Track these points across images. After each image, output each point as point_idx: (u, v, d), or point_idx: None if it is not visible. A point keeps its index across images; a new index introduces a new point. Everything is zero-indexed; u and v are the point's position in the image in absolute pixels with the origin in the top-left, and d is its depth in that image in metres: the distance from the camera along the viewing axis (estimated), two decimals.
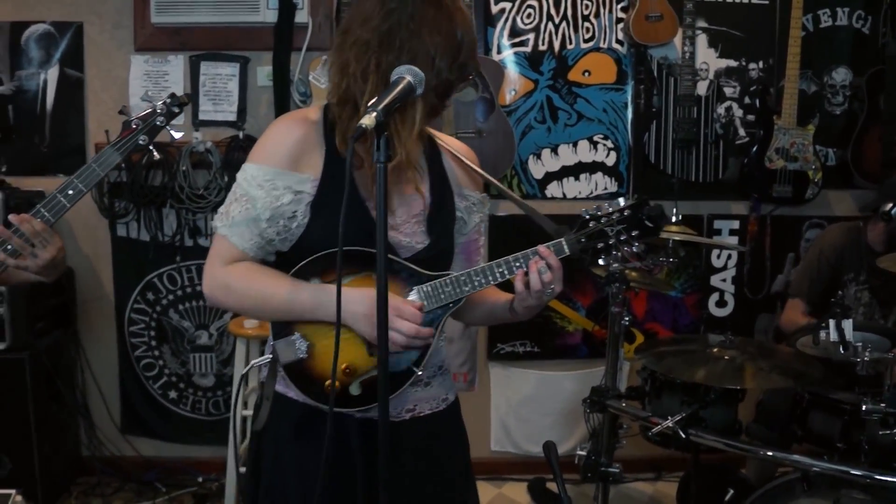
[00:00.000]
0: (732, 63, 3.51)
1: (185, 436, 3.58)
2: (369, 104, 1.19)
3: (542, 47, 3.45)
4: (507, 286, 1.52)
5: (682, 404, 2.38)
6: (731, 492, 2.72)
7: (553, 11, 3.43)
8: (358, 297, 1.37)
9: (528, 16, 3.43)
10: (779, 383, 2.49)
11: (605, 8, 3.43)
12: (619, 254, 1.47)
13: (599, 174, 3.54)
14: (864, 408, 2.10)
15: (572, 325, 3.61)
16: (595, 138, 3.52)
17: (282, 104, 3.31)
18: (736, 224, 3.60)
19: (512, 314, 1.54)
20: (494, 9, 3.40)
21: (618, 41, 3.46)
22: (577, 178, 3.53)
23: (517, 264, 1.44)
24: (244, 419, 3.15)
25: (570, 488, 3.16)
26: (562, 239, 1.45)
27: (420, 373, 1.47)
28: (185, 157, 3.30)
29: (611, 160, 3.54)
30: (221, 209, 1.46)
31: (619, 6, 3.43)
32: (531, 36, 3.44)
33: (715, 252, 3.63)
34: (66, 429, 3.38)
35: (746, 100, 3.52)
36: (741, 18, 3.48)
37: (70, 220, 3.42)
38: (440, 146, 1.59)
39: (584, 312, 3.61)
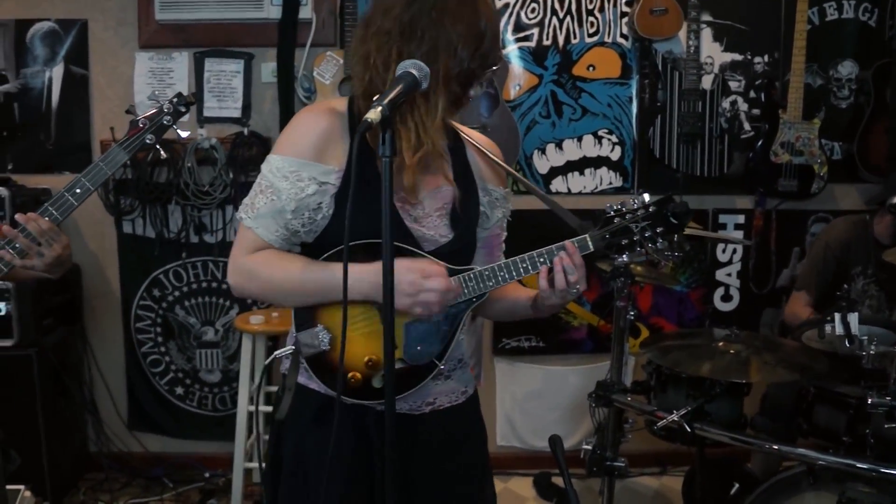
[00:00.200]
0: (737, 57, 3.50)
1: (192, 431, 3.59)
2: (374, 99, 1.19)
3: (546, 42, 3.45)
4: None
5: (688, 398, 2.38)
6: (737, 485, 2.73)
7: (557, 6, 3.42)
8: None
9: (533, 10, 3.42)
10: (784, 377, 2.49)
11: (609, 2, 3.42)
12: (643, 250, 1.44)
13: (604, 169, 3.53)
14: (869, 401, 2.10)
15: (577, 320, 3.61)
16: (600, 133, 3.51)
17: (286, 100, 3.31)
18: (741, 218, 3.59)
19: (535, 311, 1.54)
20: (498, 3, 3.39)
21: (622, 35, 3.46)
22: (581, 173, 3.53)
23: (541, 260, 1.43)
24: (250, 414, 3.16)
25: (576, 482, 3.16)
26: (586, 235, 1.44)
27: (442, 367, 1.47)
28: (190, 153, 3.30)
29: (615, 155, 3.53)
30: (246, 200, 1.46)
31: (624, 0, 3.42)
32: (535, 30, 3.43)
33: (720, 246, 3.62)
34: (73, 425, 3.39)
35: (752, 94, 3.51)
36: (746, 12, 3.46)
37: (76, 217, 3.43)
38: (464, 140, 1.59)
39: (590, 307, 3.61)
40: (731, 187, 3.54)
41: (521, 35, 3.43)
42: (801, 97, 3.34)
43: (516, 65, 3.44)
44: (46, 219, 1.70)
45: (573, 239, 1.44)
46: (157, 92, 3.39)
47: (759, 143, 3.41)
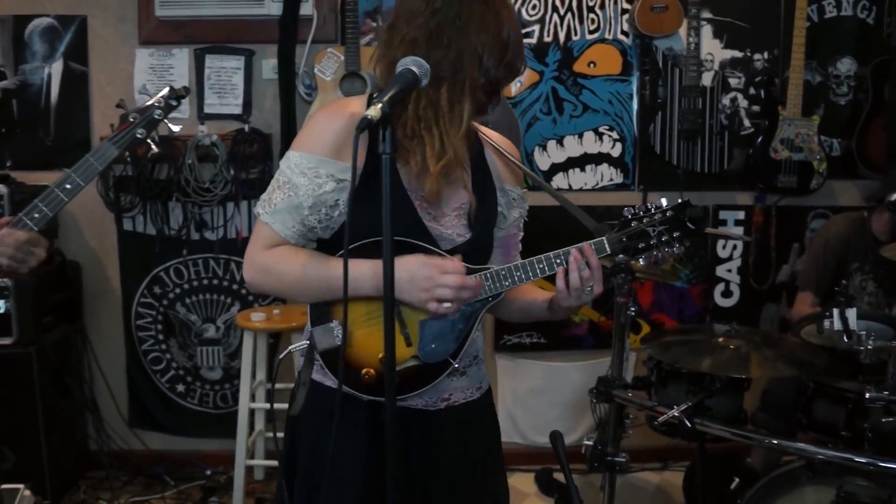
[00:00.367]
0: (737, 54, 3.50)
1: (193, 429, 3.59)
2: (374, 96, 1.20)
3: (547, 39, 3.45)
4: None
5: (688, 394, 2.38)
6: (737, 480, 2.74)
7: (558, 3, 3.42)
8: (401, 265, 1.36)
9: (534, 7, 3.42)
10: (784, 372, 2.50)
11: None
12: (659, 254, 1.46)
13: (605, 165, 3.54)
14: (867, 396, 2.10)
15: (578, 316, 3.62)
16: (601, 129, 3.52)
17: (287, 97, 3.31)
18: (741, 214, 3.60)
19: (551, 313, 1.55)
20: None
21: (623, 32, 3.46)
22: (582, 170, 3.54)
23: (557, 261, 1.44)
24: (252, 412, 3.17)
25: (577, 478, 3.16)
26: (604, 238, 1.46)
27: (457, 364, 1.48)
28: (191, 150, 3.30)
29: (616, 151, 3.54)
30: (264, 196, 1.47)
31: None
32: (536, 27, 3.44)
33: (720, 242, 3.63)
34: (73, 423, 3.39)
35: (751, 90, 3.52)
36: (746, 9, 3.47)
37: (76, 214, 3.43)
38: (483, 139, 1.60)
39: (591, 303, 3.62)
40: (731, 183, 3.55)
41: (523, 31, 3.43)
42: (800, 94, 3.35)
43: None
44: (22, 230, 1.68)
45: (590, 241, 1.45)
46: (147, 86, 3.38)
47: (759, 139, 3.42)
